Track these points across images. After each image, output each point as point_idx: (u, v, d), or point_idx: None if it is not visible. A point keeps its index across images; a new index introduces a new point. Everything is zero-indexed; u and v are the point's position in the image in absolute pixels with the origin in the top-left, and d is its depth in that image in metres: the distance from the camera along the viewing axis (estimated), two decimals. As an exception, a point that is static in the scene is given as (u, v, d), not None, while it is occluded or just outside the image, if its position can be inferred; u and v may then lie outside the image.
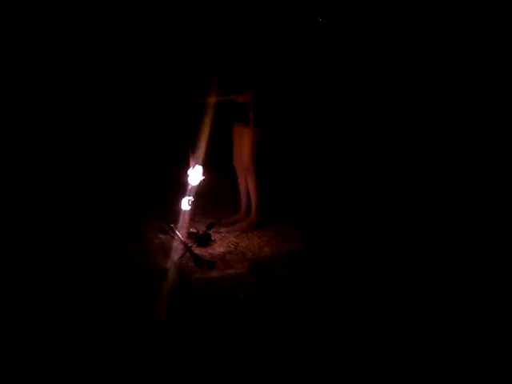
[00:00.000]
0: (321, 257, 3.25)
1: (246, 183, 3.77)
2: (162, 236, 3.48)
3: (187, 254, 3.20)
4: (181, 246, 3.28)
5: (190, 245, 3.28)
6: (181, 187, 3.50)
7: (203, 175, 3.45)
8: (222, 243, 3.49)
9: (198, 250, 3.28)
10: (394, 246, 3.35)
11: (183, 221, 3.46)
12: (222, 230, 3.69)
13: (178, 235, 3.34)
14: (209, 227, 3.49)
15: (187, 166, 3.44)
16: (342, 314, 2.56)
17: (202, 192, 3.60)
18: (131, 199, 4.22)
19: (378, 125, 4.86)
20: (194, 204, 3.49)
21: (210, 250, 3.35)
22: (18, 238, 3.31)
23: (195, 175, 3.43)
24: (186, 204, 3.45)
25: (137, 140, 4.87)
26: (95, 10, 4.63)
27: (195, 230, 3.49)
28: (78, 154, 4.59)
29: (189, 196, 3.45)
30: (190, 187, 3.44)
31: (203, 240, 3.42)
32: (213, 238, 3.51)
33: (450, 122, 4.65)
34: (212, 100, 3.44)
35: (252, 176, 3.66)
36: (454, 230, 3.54)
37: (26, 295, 2.65)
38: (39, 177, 4.21)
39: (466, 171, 4.35)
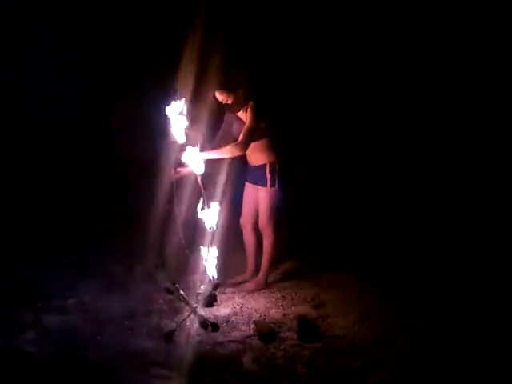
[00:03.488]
0: (329, 320, 3.17)
1: (254, 243, 3.77)
2: (167, 296, 3.42)
3: (192, 315, 3.13)
4: (186, 307, 3.22)
5: (194, 306, 3.21)
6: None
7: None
8: (227, 304, 3.41)
9: (202, 311, 3.20)
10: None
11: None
12: (228, 290, 3.63)
13: (183, 296, 3.28)
14: (214, 288, 3.43)
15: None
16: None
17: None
18: (136, 258, 4.19)
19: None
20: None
21: (215, 312, 3.28)
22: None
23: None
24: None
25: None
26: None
27: (200, 291, 3.44)
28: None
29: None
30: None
31: (208, 301, 3.36)
32: (218, 298, 3.45)
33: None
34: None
35: (268, 236, 3.65)
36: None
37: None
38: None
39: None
